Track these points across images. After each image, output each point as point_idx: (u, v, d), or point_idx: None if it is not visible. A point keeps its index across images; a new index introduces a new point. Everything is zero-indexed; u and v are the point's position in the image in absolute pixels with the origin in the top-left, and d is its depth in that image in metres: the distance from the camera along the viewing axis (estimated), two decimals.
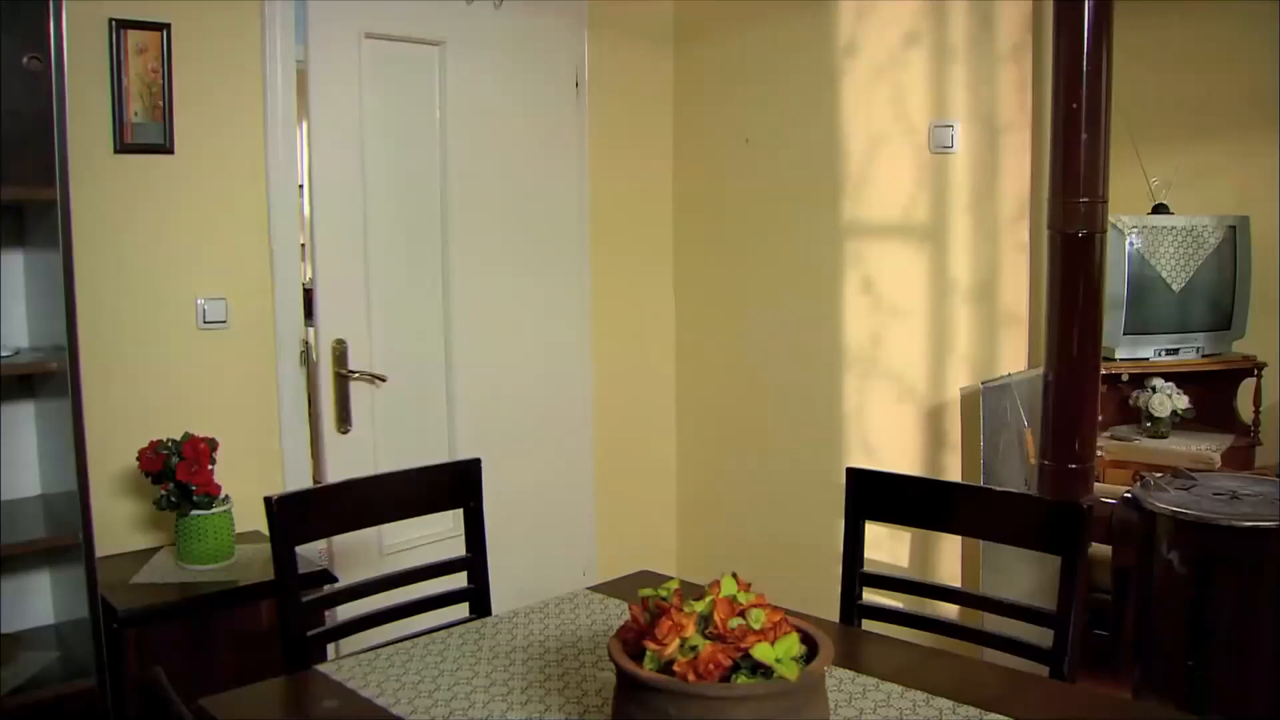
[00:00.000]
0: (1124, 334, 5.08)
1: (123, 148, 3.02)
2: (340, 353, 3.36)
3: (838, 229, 3.78)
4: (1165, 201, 5.51)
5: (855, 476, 2.37)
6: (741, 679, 1.48)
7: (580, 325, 4.00)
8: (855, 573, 2.36)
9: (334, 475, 3.30)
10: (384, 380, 3.43)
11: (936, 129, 3.56)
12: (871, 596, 2.39)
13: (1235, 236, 5.36)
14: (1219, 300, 5.35)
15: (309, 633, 2.20)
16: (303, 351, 3.38)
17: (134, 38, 3.00)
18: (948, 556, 3.65)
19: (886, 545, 3.55)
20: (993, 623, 2.39)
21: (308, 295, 3.39)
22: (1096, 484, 3.55)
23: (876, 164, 3.70)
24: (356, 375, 3.39)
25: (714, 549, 4.24)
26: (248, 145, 3.23)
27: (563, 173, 3.93)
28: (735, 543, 4.16)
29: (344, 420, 3.38)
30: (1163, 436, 5.13)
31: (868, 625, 2.36)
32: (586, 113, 3.99)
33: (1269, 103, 6.31)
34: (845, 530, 2.36)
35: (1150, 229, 5.23)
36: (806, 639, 1.61)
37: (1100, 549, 3.75)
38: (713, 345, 4.21)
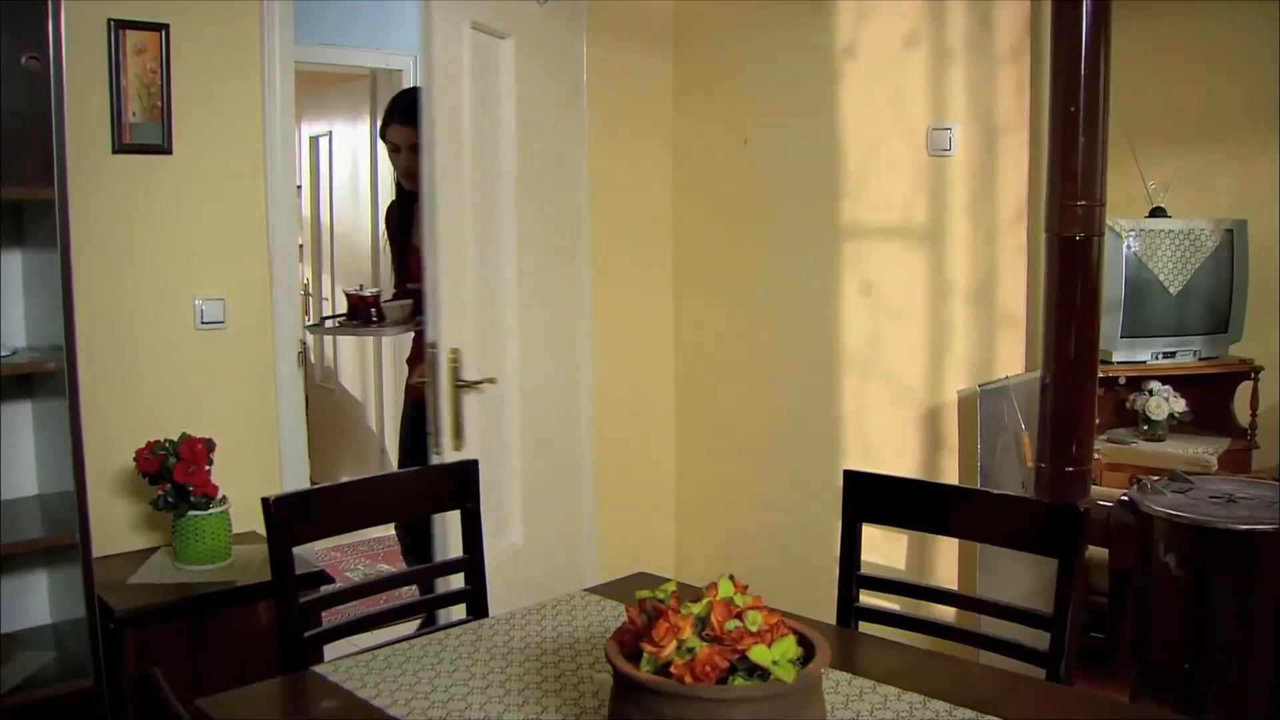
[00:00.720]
0: (1121, 337, 5.08)
1: (121, 148, 3.02)
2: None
3: (837, 231, 3.78)
4: (1163, 205, 5.51)
5: (852, 479, 2.37)
6: (738, 681, 1.48)
7: (580, 326, 3.99)
8: (852, 575, 2.36)
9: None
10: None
11: (935, 131, 3.56)
12: (869, 599, 2.39)
13: (1233, 240, 5.36)
14: (1216, 303, 5.35)
15: (306, 633, 2.20)
16: (300, 353, 3.37)
17: (132, 38, 3.00)
18: (945, 559, 3.66)
19: (884, 548, 3.55)
20: (990, 625, 2.39)
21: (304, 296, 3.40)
22: (1094, 487, 3.55)
23: (875, 166, 3.70)
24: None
25: (712, 551, 4.24)
26: (246, 146, 3.23)
27: (562, 175, 3.93)
28: (733, 545, 4.16)
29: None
30: (1160, 439, 5.13)
31: (865, 628, 2.36)
32: (586, 114, 3.99)
33: (1267, 106, 6.32)
34: (842, 533, 2.36)
35: (1148, 232, 5.24)
36: (803, 641, 1.61)
37: (1097, 552, 3.75)
38: (711, 347, 4.22)
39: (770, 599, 1.59)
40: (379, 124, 3.93)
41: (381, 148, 4.11)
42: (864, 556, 2.39)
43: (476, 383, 3.13)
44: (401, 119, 3.66)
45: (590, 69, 3.98)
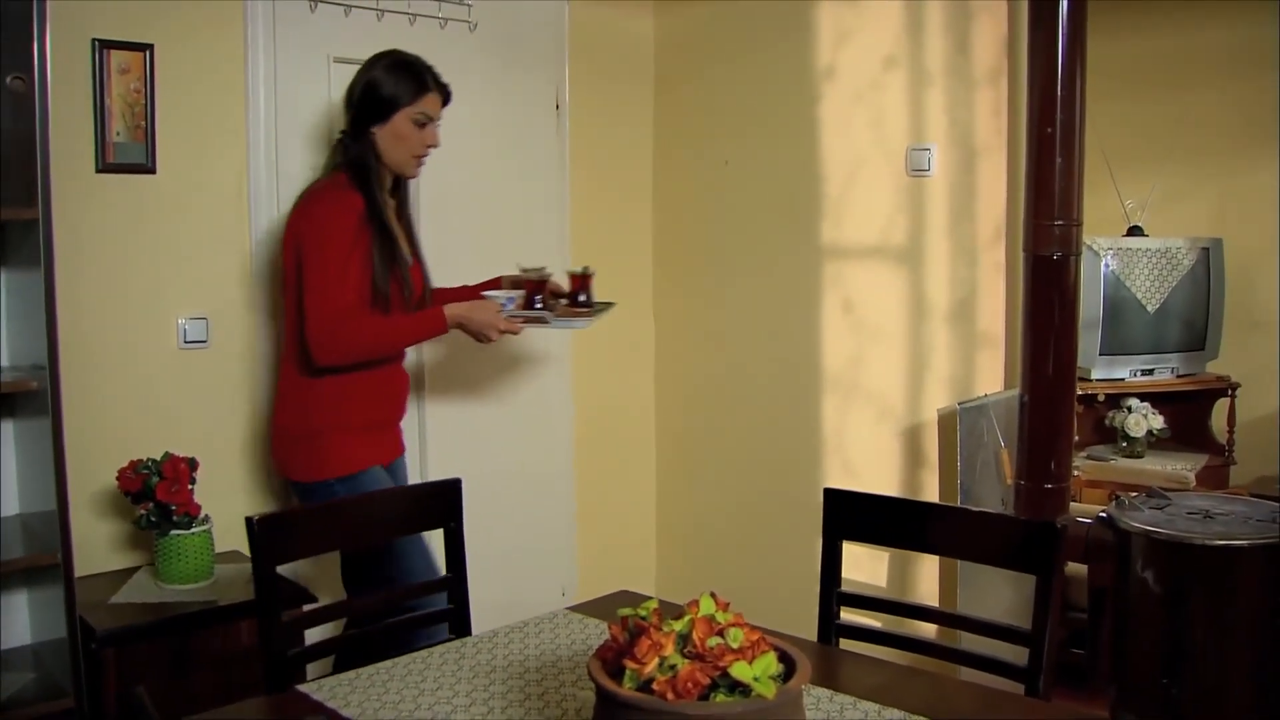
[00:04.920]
0: (1100, 354, 5.13)
1: (105, 167, 3.03)
2: None
3: (817, 251, 3.81)
4: (1140, 224, 5.57)
5: (832, 497, 2.39)
6: (720, 698, 1.49)
7: (560, 346, 4.01)
8: (833, 592, 2.37)
9: None
10: None
11: (914, 152, 3.60)
12: (850, 616, 2.40)
13: (1209, 258, 5.42)
14: (1193, 321, 5.40)
15: (289, 652, 2.20)
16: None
17: (117, 58, 3.02)
18: (926, 575, 3.68)
19: (866, 565, 3.57)
20: (970, 641, 2.41)
21: None
22: (1073, 504, 3.58)
23: (855, 187, 3.73)
24: None
25: (693, 569, 4.25)
26: (231, 166, 3.25)
27: (542, 195, 3.96)
28: (715, 563, 4.17)
29: None
30: (1139, 456, 5.17)
31: (846, 644, 2.38)
32: (567, 135, 4.01)
33: (1242, 125, 6.39)
34: (822, 550, 2.38)
35: (1125, 251, 5.29)
36: (784, 658, 1.63)
37: (1077, 568, 3.77)
38: (692, 366, 4.23)
39: (752, 616, 1.60)
40: (388, 91, 2.97)
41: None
42: (845, 574, 2.41)
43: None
44: (436, 84, 3.04)
45: (572, 91, 4.01)
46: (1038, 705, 2.08)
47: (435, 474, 3.46)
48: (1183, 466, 5.13)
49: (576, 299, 3.17)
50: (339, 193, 2.89)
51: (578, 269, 3.20)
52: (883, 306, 3.69)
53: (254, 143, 3.28)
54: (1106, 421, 5.25)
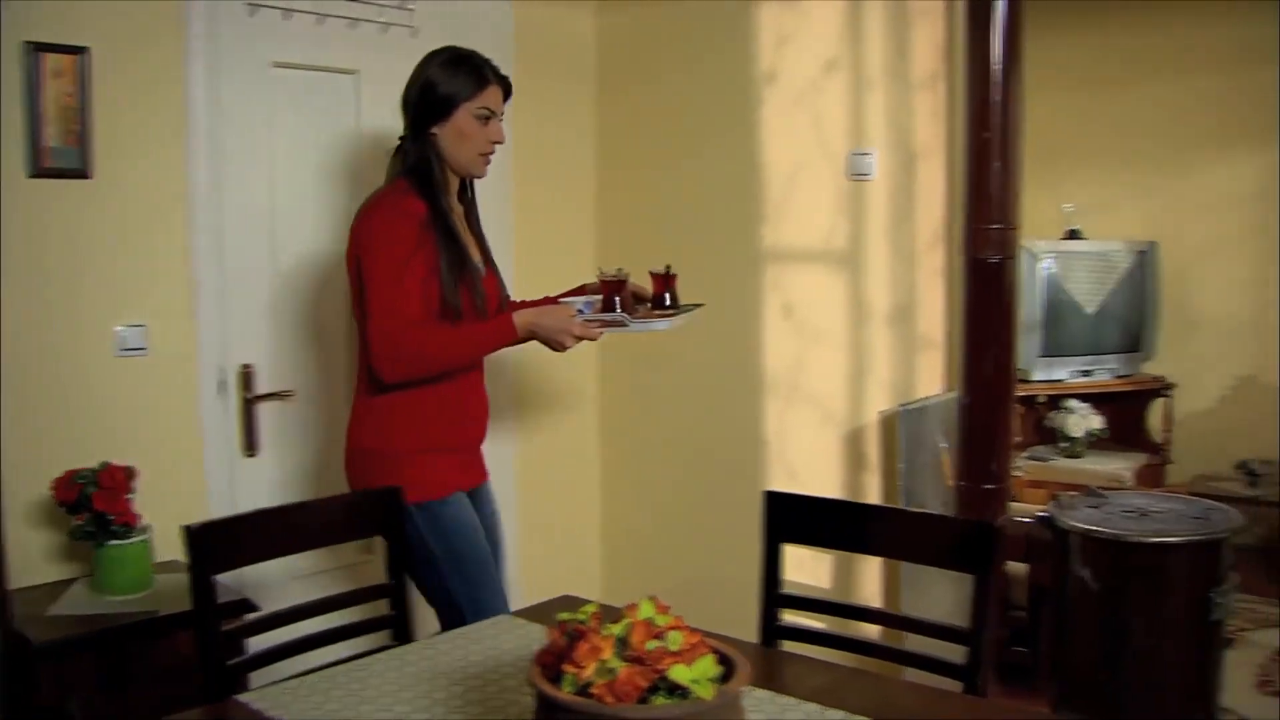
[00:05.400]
0: (1040, 356, 5.20)
1: (38, 172, 2.97)
2: (247, 377, 3.37)
3: (759, 255, 3.83)
4: (1078, 227, 5.66)
5: (772, 500, 2.40)
6: (659, 700, 1.50)
7: (504, 352, 3.98)
8: (773, 595, 2.39)
9: (247, 501, 3.28)
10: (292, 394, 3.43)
11: (855, 156, 3.62)
12: (795, 618, 2.42)
13: (1145, 261, 5.51)
14: (1130, 323, 5.49)
15: (229, 662, 2.18)
16: (221, 380, 3.34)
17: (50, 61, 2.97)
18: (870, 576, 3.71)
19: (809, 566, 3.59)
20: (915, 642, 2.43)
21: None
22: (1014, 504, 3.63)
23: (797, 191, 3.76)
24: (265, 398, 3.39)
25: (638, 573, 4.26)
26: (169, 171, 3.20)
27: (485, 199, 3.93)
28: (659, 566, 4.18)
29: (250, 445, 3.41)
30: (1078, 456, 5.25)
31: (792, 647, 2.39)
32: (511, 141, 3.99)
33: (1176, 132, 6.51)
34: (762, 554, 2.39)
35: (1064, 254, 5.37)
36: (724, 660, 1.63)
37: (1019, 567, 3.83)
38: (636, 370, 4.24)
39: (697, 619, 1.61)
40: (447, 88, 2.80)
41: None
42: (790, 576, 2.42)
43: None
44: (496, 76, 2.91)
45: (515, 94, 3.98)
46: (977, 703, 2.10)
47: None
48: (1121, 466, 5.21)
49: (661, 301, 2.99)
50: (398, 199, 2.73)
51: (660, 269, 3.00)
52: (824, 310, 3.72)
53: (193, 147, 3.23)
54: (1047, 422, 5.32)
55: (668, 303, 2.97)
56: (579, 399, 4.30)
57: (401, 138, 2.87)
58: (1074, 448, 5.25)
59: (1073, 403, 5.25)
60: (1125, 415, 5.68)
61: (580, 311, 2.84)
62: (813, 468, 3.77)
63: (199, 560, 2.16)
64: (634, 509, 4.27)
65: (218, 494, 3.33)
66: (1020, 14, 3.37)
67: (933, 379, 3.65)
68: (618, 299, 2.90)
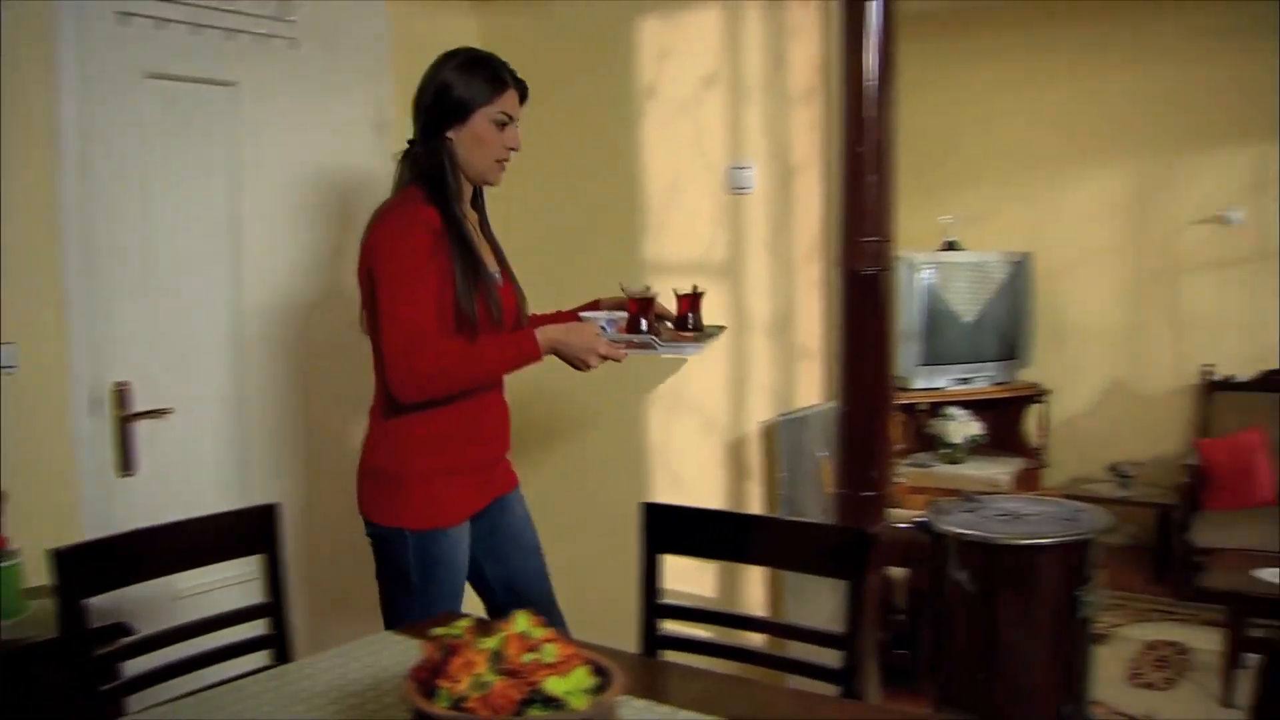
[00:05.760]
0: (919, 365, 5.32)
1: None
2: (122, 395, 3.28)
3: (641, 266, 3.86)
4: (955, 239, 5.81)
5: (649, 511, 2.43)
6: (534, 713, 1.51)
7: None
8: (652, 605, 2.41)
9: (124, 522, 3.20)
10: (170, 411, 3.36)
11: (734, 170, 3.68)
12: (680, 628, 2.44)
13: (1020, 271, 5.67)
14: (1006, 331, 5.65)
15: (103, 687, 2.13)
16: (94, 399, 3.26)
17: None
18: (754, 584, 3.75)
19: (694, 576, 3.61)
20: (801, 649, 2.44)
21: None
22: (895, 510, 3.71)
23: (678, 203, 3.80)
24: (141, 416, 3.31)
25: None
26: (38, 184, 3.12)
27: (364, 216, 3.89)
28: None
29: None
30: (959, 462, 5.39)
31: (675, 657, 2.41)
32: (388, 150, 3.95)
33: (1051, 145, 6.72)
34: (641, 565, 2.42)
35: (942, 264, 5.50)
36: (600, 671, 1.65)
37: (901, 571, 3.91)
38: (519, 381, 4.20)
39: (583, 630, 1.62)
40: (463, 92, 2.70)
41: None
42: (675, 585, 2.45)
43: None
44: (514, 80, 2.80)
45: (397, 108, 3.96)
46: (853, 706, 2.14)
47: (256, 498, 3.38)
48: (999, 470, 5.36)
49: (684, 322, 2.87)
50: (410, 208, 2.60)
51: (686, 289, 2.89)
52: (706, 320, 3.74)
53: (64, 160, 3.15)
54: (927, 429, 5.45)
55: (690, 324, 2.87)
56: None
57: (410, 142, 2.75)
58: (954, 454, 5.37)
59: (952, 410, 5.38)
60: (1003, 421, 5.84)
61: (604, 329, 2.73)
62: (696, 476, 3.80)
63: (67, 584, 2.11)
64: None
65: (92, 515, 3.24)
66: (894, 30, 3.46)
67: (812, 389, 3.71)
68: (643, 320, 2.81)
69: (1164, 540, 5.90)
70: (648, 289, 2.85)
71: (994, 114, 6.76)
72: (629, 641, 2.30)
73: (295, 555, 3.16)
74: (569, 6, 4.00)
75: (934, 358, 5.39)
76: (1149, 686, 4.61)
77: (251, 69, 3.52)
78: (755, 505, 3.72)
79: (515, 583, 2.89)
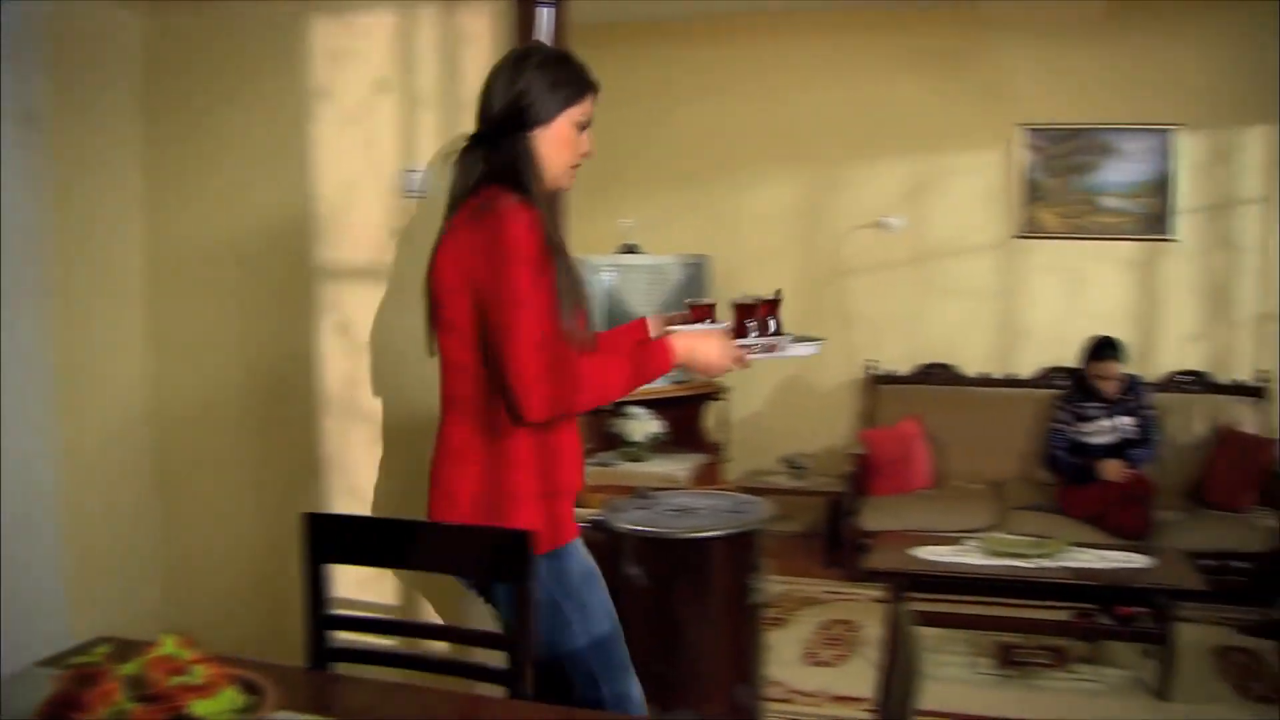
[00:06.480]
0: None
1: None
2: None
3: (313, 273, 3.78)
4: (634, 242, 5.98)
5: (311, 522, 2.39)
6: None
7: (36, 378, 3.68)
8: (320, 618, 2.37)
9: None
10: None
11: (406, 174, 3.65)
12: (361, 638, 2.41)
13: (697, 274, 5.90)
14: None
15: None
16: None
17: None
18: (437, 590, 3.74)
19: (373, 585, 3.56)
20: (483, 653, 2.43)
21: None
22: (578, 509, 3.78)
23: (352, 208, 3.73)
24: None
25: (205, 604, 4.07)
26: None
27: (11, 218, 3.63)
28: (224, 592, 4.01)
29: None
30: (641, 459, 5.55)
31: (348, 669, 2.38)
32: (44, 151, 3.68)
33: (726, 153, 7.02)
34: (306, 576, 2.37)
35: (621, 267, 5.65)
36: (252, 689, 1.62)
37: None
38: (190, 394, 4.04)
39: (260, 646, 1.59)
40: (550, 92, 2.56)
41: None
42: (354, 595, 2.42)
43: None
44: (594, 83, 2.66)
45: (55, 108, 3.70)
46: (516, 705, 2.19)
47: None
48: (679, 467, 5.55)
49: (765, 326, 2.84)
50: (520, 209, 2.39)
51: (769, 295, 2.89)
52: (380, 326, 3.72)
53: None
54: (610, 428, 5.59)
55: (773, 329, 2.85)
56: (130, 426, 4.06)
57: (475, 139, 2.60)
58: (636, 451, 5.53)
59: (634, 409, 5.54)
60: (684, 419, 6.06)
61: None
62: (373, 484, 3.75)
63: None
64: (196, 538, 4.08)
65: None
66: (566, 36, 3.54)
67: None
68: (772, 320, 2.82)
69: (834, 526, 6.27)
70: (778, 292, 2.89)
71: (678, 122, 7.02)
72: (301, 655, 2.25)
73: None
74: (235, 5, 3.87)
75: None
76: (823, 664, 4.90)
77: None
78: None
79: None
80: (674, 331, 2.66)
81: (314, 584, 2.36)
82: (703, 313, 2.84)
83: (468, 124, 3.68)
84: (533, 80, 2.54)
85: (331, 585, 2.41)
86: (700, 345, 2.60)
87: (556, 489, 2.54)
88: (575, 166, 2.65)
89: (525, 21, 3.60)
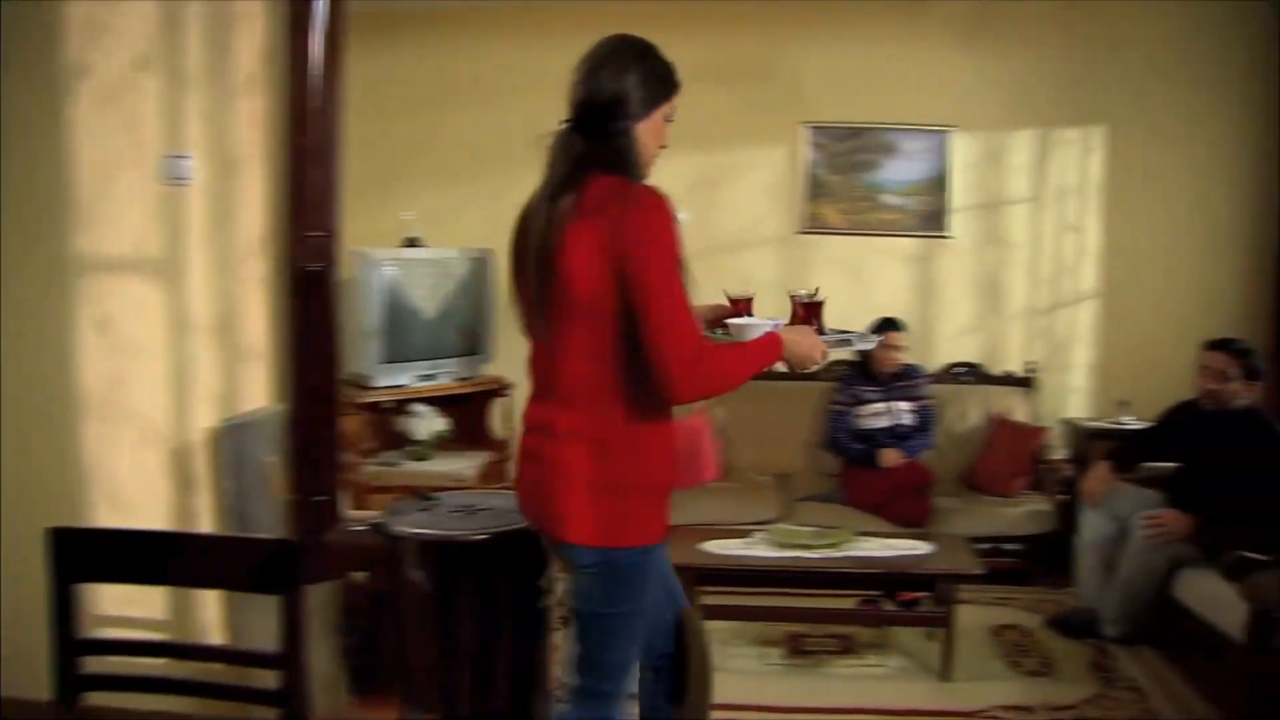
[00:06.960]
0: (380, 362, 5.27)
1: None
2: None
3: (67, 265, 3.49)
4: (417, 235, 5.82)
5: (59, 536, 2.18)
6: None
7: None
8: (69, 643, 2.17)
9: None
10: None
11: (170, 160, 3.42)
12: (125, 662, 2.22)
13: (480, 268, 5.78)
14: (469, 327, 5.74)
15: None
16: None
17: None
18: (208, 605, 3.52)
19: (140, 601, 3.32)
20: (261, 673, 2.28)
21: None
22: (360, 511, 3.63)
23: (110, 196, 3.47)
24: None
25: None
26: None
27: None
28: None
29: None
30: (426, 458, 5.40)
31: (102, 697, 2.18)
32: None
33: (513, 144, 6.90)
34: (51, 597, 2.17)
35: (403, 261, 5.49)
36: None
37: (361, 576, 3.83)
38: None
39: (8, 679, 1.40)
40: (655, 85, 2.64)
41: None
42: (120, 612, 2.23)
43: None
44: (680, 80, 2.72)
45: None
46: None
47: None
48: (466, 466, 5.43)
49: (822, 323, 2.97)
50: (666, 201, 2.46)
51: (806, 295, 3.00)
52: (142, 322, 3.46)
53: None
54: (394, 427, 5.42)
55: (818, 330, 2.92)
56: None
57: (572, 126, 2.62)
58: (421, 450, 5.38)
59: (417, 406, 5.39)
60: (469, 416, 5.94)
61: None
62: (141, 494, 3.49)
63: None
64: None
65: None
66: (341, 21, 3.38)
67: (259, 391, 3.54)
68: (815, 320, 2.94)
69: None
70: (816, 290, 3.01)
71: (460, 114, 6.87)
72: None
73: None
74: None
75: (396, 355, 5.35)
76: None
77: None
78: (206, 519, 3.48)
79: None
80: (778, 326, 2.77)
81: (61, 606, 2.16)
82: (742, 305, 2.95)
83: (238, 108, 3.50)
84: (638, 74, 2.61)
85: (85, 605, 2.21)
86: (798, 339, 2.71)
87: (668, 484, 2.69)
88: (656, 158, 2.72)
89: (299, 5, 3.43)
